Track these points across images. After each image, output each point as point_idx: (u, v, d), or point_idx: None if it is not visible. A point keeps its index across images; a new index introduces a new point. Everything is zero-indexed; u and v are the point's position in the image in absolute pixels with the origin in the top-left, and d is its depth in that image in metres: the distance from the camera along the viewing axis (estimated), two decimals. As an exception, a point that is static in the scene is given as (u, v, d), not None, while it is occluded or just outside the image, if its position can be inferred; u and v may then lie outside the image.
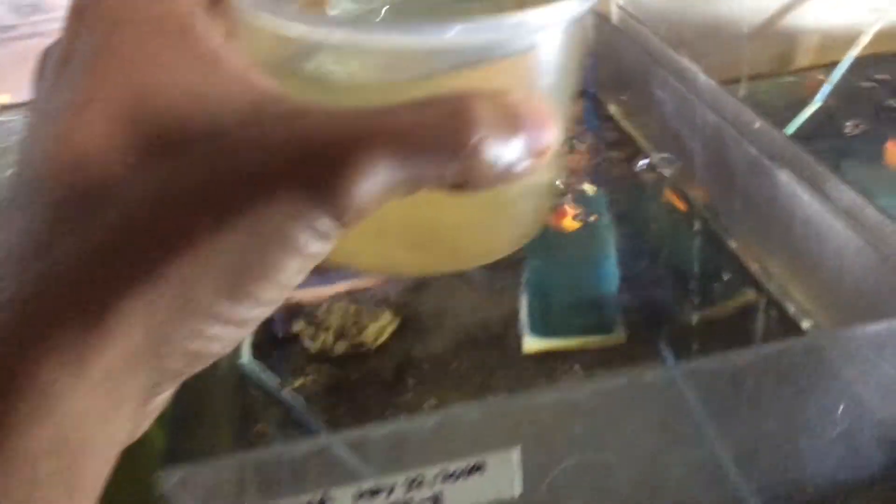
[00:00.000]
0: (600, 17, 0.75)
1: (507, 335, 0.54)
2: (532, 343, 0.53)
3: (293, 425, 0.45)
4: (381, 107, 0.18)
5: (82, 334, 0.16)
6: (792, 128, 0.72)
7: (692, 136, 0.58)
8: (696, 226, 0.61)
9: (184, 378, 0.19)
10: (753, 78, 0.82)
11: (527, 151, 0.19)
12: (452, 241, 0.26)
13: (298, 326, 0.54)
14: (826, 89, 0.75)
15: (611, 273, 0.59)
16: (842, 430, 0.35)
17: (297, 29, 0.20)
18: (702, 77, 0.59)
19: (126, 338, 0.17)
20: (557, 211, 0.65)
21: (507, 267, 0.59)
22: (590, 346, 0.52)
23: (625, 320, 0.54)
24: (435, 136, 0.18)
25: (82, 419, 0.16)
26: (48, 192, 0.18)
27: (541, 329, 0.54)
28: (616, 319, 0.54)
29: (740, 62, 0.82)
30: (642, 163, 0.68)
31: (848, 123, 0.74)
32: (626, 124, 0.75)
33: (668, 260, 0.59)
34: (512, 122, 0.19)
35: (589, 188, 0.68)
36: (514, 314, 0.55)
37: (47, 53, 0.21)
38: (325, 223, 0.18)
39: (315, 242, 0.18)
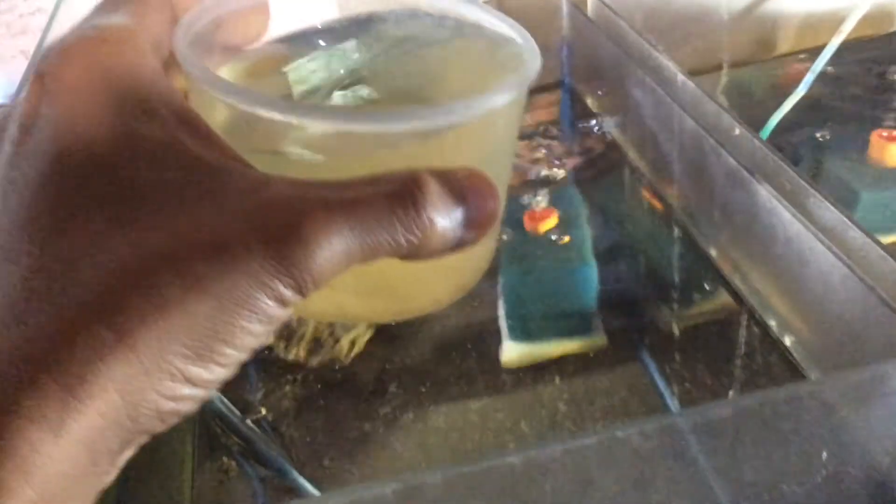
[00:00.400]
0: (574, 7, 0.72)
1: (485, 342, 0.52)
2: (511, 350, 0.52)
3: (258, 459, 0.43)
4: (338, 180, 0.20)
5: (62, 401, 0.17)
6: (776, 118, 0.69)
7: (670, 141, 0.56)
8: (676, 231, 0.59)
9: (155, 433, 0.19)
10: (735, 65, 0.80)
11: (474, 221, 0.21)
12: (400, 291, 0.28)
13: (271, 339, 0.53)
14: (810, 78, 0.73)
15: (589, 277, 0.57)
16: (827, 474, 0.33)
17: (248, 106, 0.21)
18: (680, 77, 0.57)
19: (102, 402, 0.18)
20: (533, 214, 0.63)
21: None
22: (570, 351, 0.51)
23: (605, 324, 0.53)
24: (389, 211, 0.19)
25: (63, 476, 0.17)
26: (20, 261, 0.19)
27: (520, 335, 0.53)
28: (596, 323, 0.53)
29: (721, 48, 0.80)
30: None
31: (832, 112, 0.72)
32: (603, 117, 0.72)
33: (648, 263, 0.58)
34: (459, 195, 0.20)
35: (565, 187, 0.66)
36: (492, 321, 0.54)
37: (5, 117, 0.21)
38: (286, 292, 0.19)
39: (278, 309, 0.19)
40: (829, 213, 0.42)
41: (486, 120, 0.24)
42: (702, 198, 0.54)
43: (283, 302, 0.19)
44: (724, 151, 0.49)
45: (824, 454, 0.33)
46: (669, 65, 0.58)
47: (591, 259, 0.58)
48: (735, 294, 0.52)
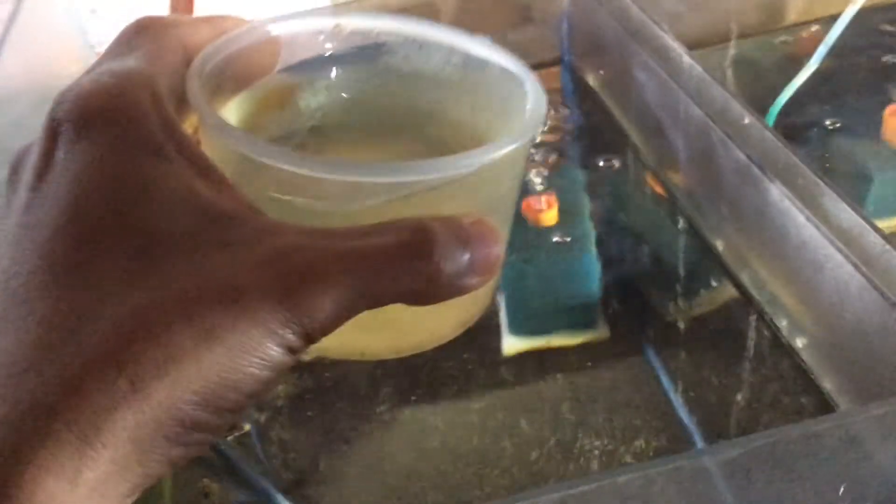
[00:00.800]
0: (575, -21, 0.69)
1: (485, 335, 0.50)
2: (512, 343, 0.50)
3: (240, 481, 0.41)
4: (347, 228, 0.20)
5: (77, 451, 0.18)
6: (785, 95, 0.66)
7: (675, 128, 0.53)
8: (682, 221, 0.56)
9: (163, 476, 0.20)
10: (742, 35, 0.76)
11: (478, 267, 0.22)
12: (402, 328, 0.29)
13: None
14: (823, 50, 0.69)
15: (592, 267, 0.55)
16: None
17: (258, 156, 0.21)
18: (686, 60, 0.54)
19: (115, 450, 0.18)
20: (531, 201, 0.60)
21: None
22: (572, 344, 0.49)
23: (607, 317, 0.50)
24: (398, 261, 0.20)
25: None
26: (35, 308, 0.19)
27: (521, 328, 0.51)
28: (598, 316, 0.51)
29: (727, 18, 0.76)
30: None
31: (844, 86, 0.68)
32: (606, 99, 0.69)
33: (652, 254, 0.55)
34: (465, 243, 0.21)
35: (566, 172, 0.63)
36: (492, 314, 0.51)
37: (20, 158, 0.22)
38: (295, 340, 0.20)
39: (285, 356, 0.20)
40: (846, 213, 0.39)
41: (492, 168, 0.24)
42: (709, 190, 0.52)
43: (290, 350, 0.20)
44: (733, 144, 0.46)
45: (842, 489, 0.31)
46: (674, 45, 0.54)
47: (592, 249, 0.55)
48: (743, 291, 0.50)
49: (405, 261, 0.21)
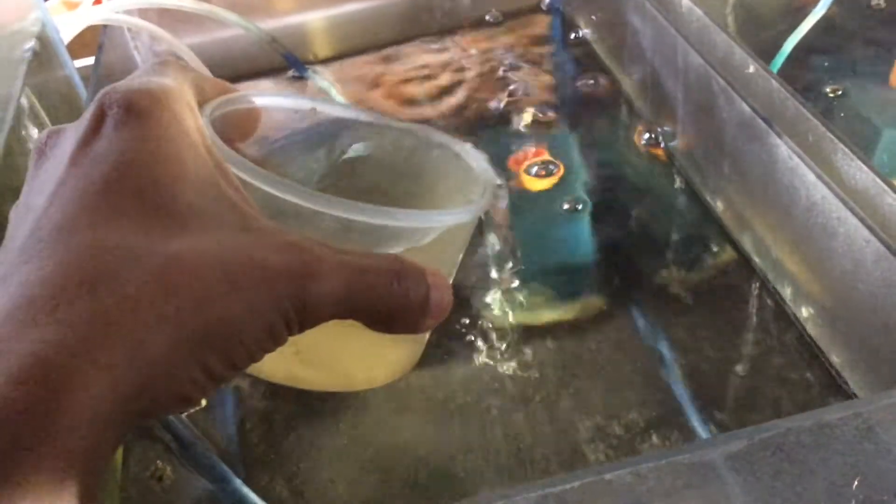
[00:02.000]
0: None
1: (473, 304, 0.47)
2: (501, 313, 0.46)
3: (196, 464, 0.38)
4: (348, 250, 0.24)
5: (108, 372, 0.20)
6: (791, 43, 0.62)
7: (674, 79, 0.49)
8: (678, 181, 0.52)
9: (157, 416, 0.25)
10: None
11: (433, 309, 0.26)
12: (340, 367, 0.33)
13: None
14: (829, -5, 0.65)
15: (584, 234, 0.51)
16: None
17: (271, 188, 0.25)
18: (685, 3, 0.49)
19: (139, 374, 0.20)
20: (518, 159, 0.57)
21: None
22: (565, 315, 0.46)
23: (600, 284, 0.47)
24: (382, 278, 0.24)
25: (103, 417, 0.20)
26: (72, 241, 0.22)
27: (510, 297, 0.47)
28: (590, 283, 0.48)
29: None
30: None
31: (851, 34, 0.64)
32: (599, 49, 0.65)
33: (646, 216, 0.51)
34: (426, 285, 0.26)
35: (554, 127, 0.59)
36: (480, 281, 0.48)
37: (50, 135, 0.25)
38: (292, 317, 0.23)
39: (282, 331, 0.23)
40: (862, 172, 0.36)
41: (454, 229, 0.29)
42: (709, 146, 0.48)
43: (286, 326, 0.23)
44: (736, 94, 0.42)
45: (856, 483, 0.27)
46: (673, -13, 0.50)
47: (585, 214, 0.52)
48: (744, 256, 0.46)
49: (387, 280, 0.24)
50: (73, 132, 0.24)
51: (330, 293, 0.23)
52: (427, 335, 0.34)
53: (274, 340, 0.23)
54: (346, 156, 0.35)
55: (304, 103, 0.33)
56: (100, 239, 0.22)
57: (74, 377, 0.19)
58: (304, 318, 0.23)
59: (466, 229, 0.32)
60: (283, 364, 0.31)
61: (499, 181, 0.34)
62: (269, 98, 0.32)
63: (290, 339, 0.23)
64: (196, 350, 0.21)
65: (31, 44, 0.48)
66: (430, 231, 0.28)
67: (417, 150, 0.34)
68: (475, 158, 0.33)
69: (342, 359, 0.32)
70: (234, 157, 0.25)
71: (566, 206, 0.52)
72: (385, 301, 0.24)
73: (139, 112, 0.24)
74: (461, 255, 0.33)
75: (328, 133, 0.34)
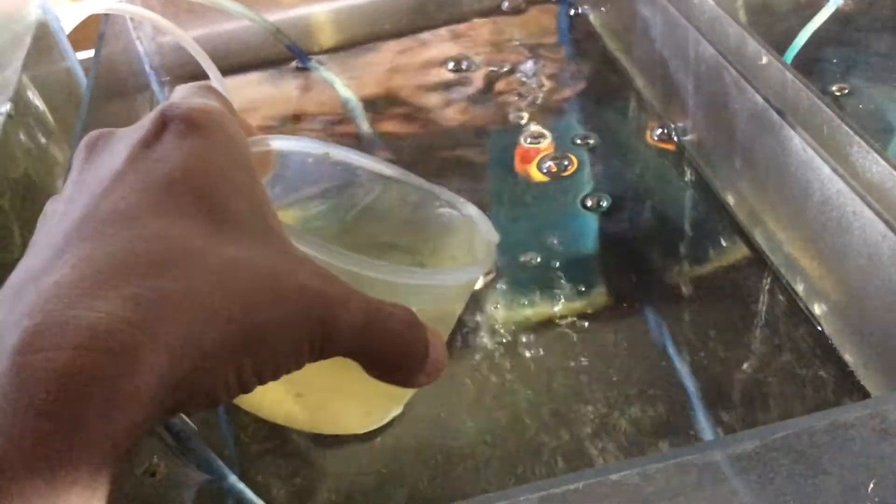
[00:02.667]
0: None
1: (478, 298, 0.46)
2: (505, 306, 0.46)
3: (191, 458, 0.37)
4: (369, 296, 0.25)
5: (152, 351, 0.20)
6: (805, 35, 0.61)
7: (684, 69, 0.48)
8: (689, 174, 0.51)
9: (178, 413, 0.22)
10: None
11: (430, 368, 0.26)
12: (342, 410, 0.35)
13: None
14: (845, -13, 0.63)
15: (590, 226, 0.50)
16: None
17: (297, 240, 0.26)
18: (697, -8, 0.48)
19: (178, 367, 0.20)
20: (524, 151, 0.56)
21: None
22: (570, 310, 0.45)
23: (607, 278, 0.46)
24: (397, 323, 0.25)
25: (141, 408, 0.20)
26: (135, 235, 0.22)
27: (514, 290, 0.46)
28: (597, 276, 0.47)
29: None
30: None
31: (866, 26, 0.63)
32: (608, 40, 0.64)
33: (655, 210, 0.50)
34: (428, 343, 0.26)
35: (562, 119, 0.58)
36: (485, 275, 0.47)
37: (97, 137, 0.26)
38: (317, 341, 0.23)
39: (306, 352, 0.23)
40: (878, 166, 0.34)
41: (457, 286, 0.32)
42: (720, 138, 0.47)
43: (311, 350, 0.23)
44: (749, 85, 0.41)
45: (871, 485, 0.26)
46: (684, -23, 0.49)
47: (590, 204, 0.51)
48: (756, 250, 0.45)
49: (401, 327, 0.25)
50: (130, 135, 0.25)
51: (351, 326, 0.24)
52: (411, 392, 0.36)
53: (297, 360, 0.23)
54: (356, 208, 0.37)
55: (317, 147, 0.34)
56: (163, 229, 0.22)
57: (139, 352, 0.19)
58: (325, 344, 0.24)
59: (467, 288, 0.33)
60: (285, 404, 0.33)
61: (498, 238, 0.34)
62: (284, 142, 0.33)
63: (293, 379, 0.24)
64: (237, 352, 0.22)
65: (30, 33, 0.48)
66: (436, 289, 0.30)
67: (422, 205, 0.36)
68: (479, 220, 0.35)
69: (340, 401, 0.34)
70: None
71: (577, 202, 0.51)
72: (395, 347, 0.25)
73: (200, 127, 0.25)
74: (461, 310, 0.35)
75: (339, 181, 0.36)
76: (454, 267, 0.36)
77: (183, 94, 0.27)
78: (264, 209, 0.25)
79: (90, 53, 0.56)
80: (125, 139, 0.25)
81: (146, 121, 0.25)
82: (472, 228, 0.35)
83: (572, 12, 0.68)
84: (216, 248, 0.22)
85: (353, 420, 0.36)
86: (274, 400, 0.33)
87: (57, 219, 0.24)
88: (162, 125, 0.25)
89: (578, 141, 0.56)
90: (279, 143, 0.33)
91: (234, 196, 0.24)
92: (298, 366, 0.23)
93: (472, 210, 0.35)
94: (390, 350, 0.25)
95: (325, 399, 0.34)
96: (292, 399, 0.32)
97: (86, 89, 0.50)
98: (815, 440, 0.25)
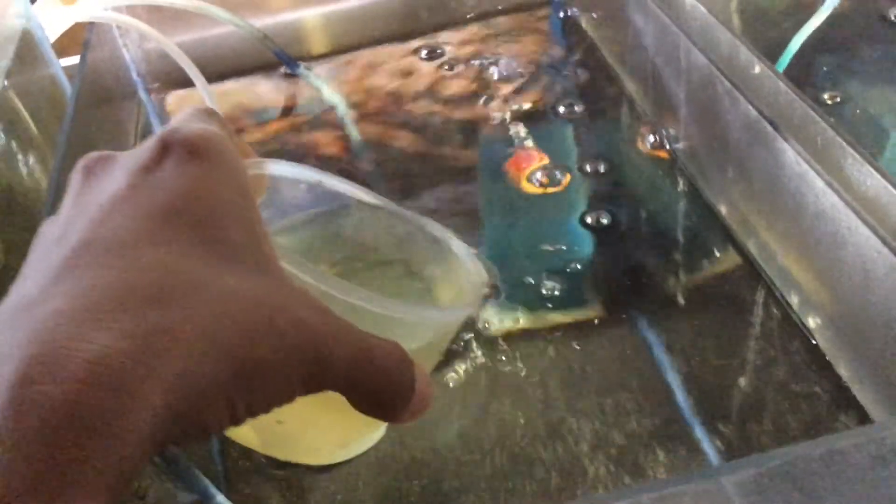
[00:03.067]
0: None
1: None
2: (497, 317, 0.45)
3: (176, 477, 0.36)
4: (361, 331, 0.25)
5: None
6: (797, 43, 0.60)
7: (676, 79, 0.47)
8: (681, 183, 0.51)
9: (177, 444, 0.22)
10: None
11: (414, 405, 0.26)
12: (323, 439, 0.35)
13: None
14: (839, -8, 0.63)
15: (583, 236, 0.50)
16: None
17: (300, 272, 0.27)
18: (688, 0, 0.48)
19: (177, 402, 0.20)
20: (517, 159, 0.55)
21: (465, 230, 0.50)
22: (563, 320, 0.44)
23: (600, 289, 0.46)
24: (384, 363, 0.25)
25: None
26: (133, 262, 0.22)
27: (506, 301, 0.46)
28: (590, 287, 0.46)
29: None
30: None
31: (860, 32, 0.63)
32: (599, 44, 0.63)
33: (648, 220, 0.50)
34: (414, 379, 0.26)
35: (554, 128, 0.58)
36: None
37: (96, 160, 0.26)
38: (311, 376, 0.23)
39: (299, 387, 0.23)
40: (873, 179, 0.34)
41: (447, 325, 0.32)
42: (713, 148, 0.46)
43: (304, 385, 0.23)
44: (742, 96, 0.41)
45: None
46: (676, -16, 0.49)
47: (581, 212, 0.50)
48: (749, 262, 0.45)
49: (390, 364, 0.25)
50: (129, 159, 0.25)
51: (344, 362, 0.24)
52: (384, 427, 0.36)
53: (289, 395, 0.23)
54: (344, 232, 0.37)
55: (312, 176, 0.35)
56: (162, 258, 0.22)
57: (138, 387, 0.19)
58: (318, 380, 0.23)
59: (455, 325, 0.33)
60: (265, 432, 0.33)
61: (487, 278, 0.34)
62: (280, 167, 0.34)
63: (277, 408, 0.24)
64: (232, 387, 0.21)
65: (13, 42, 0.47)
66: (424, 324, 0.31)
67: (409, 238, 0.37)
68: (467, 259, 0.35)
69: (321, 432, 0.34)
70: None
71: (570, 213, 0.51)
72: (384, 383, 0.25)
73: (200, 154, 0.25)
74: (447, 345, 0.35)
75: (327, 207, 0.36)
76: (447, 304, 0.36)
77: (183, 119, 0.27)
78: (260, 237, 0.25)
79: (76, 61, 0.56)
80: (125, 163, 0.25)
81: (147, 145, 0.25)
82: (457, 261, 0.35)
83: (562, 14, 0.68)
84: (215, 278, 0.22)
85: (329, 450, 0.36)
86: (254, 425, 0.32)
87: (54, 243, 0.23)
88: (163, 151, 0.25)
89: (570, 150, 0.55)
90: (276, 168, 0.33)
91: (234, 225, 0.24)
92: (289, 400, 0.23)
93: (461, 249, 0.35)
94: (379, 386, 0.25)
95: (308, 428, 0.34)
96: (272, 427, 0.32)
97: (70, 97, 0.49)
98: (811, 468, 0.24)
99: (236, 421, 0.22)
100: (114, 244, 0.22)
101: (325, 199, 0.36)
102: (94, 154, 0.26)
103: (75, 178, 0.25)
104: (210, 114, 0.28)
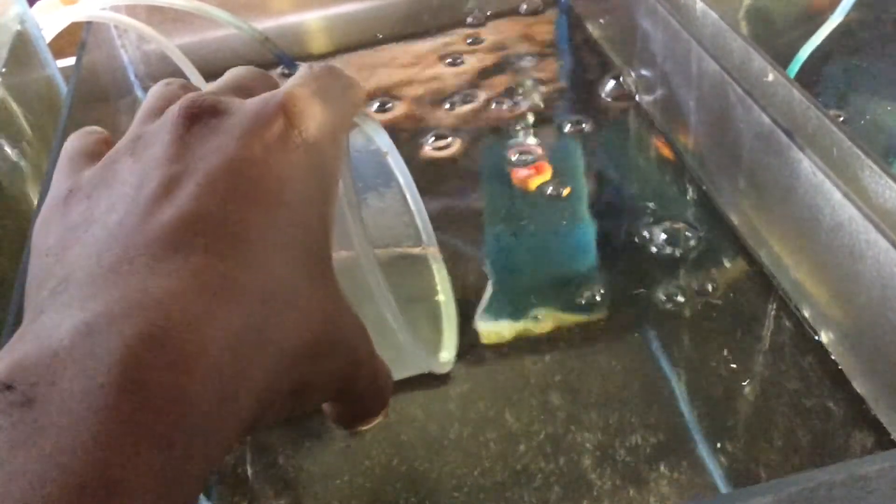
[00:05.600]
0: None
1: (467, 314, 0.44)
2: (497, 324, 0.44)
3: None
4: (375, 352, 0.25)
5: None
6: (807, 51, 0.59)
7: (686, 85, 0.46)
8: (691, 192, 0.50)
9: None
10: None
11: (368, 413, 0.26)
12: None
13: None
14: (848, 1, 0.62)
15: (587, 241, 0.49)
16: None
17: None
18: (699, 6, 0.47)
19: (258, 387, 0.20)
20: (523, 168, 0.54)
21: (466, 234, 0.49)
22: (563, 325, 0.43)
23: (604, 295, 0.45)
24: (381, 384, 0.26)
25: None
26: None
27: (508, 307, 0.45)
28: (594, 294, 0.45)
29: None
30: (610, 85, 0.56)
31: (871, 40, 0.62)
32: (608, 50, 0.62)
33: (655, 227, 0.49)
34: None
35: (560, 133, 0.57)
36: (477, 289, 0.46)
37: (97, 142, 0.26)
38: (334, 395, 0.24)
39: (320, 402, 0.24)
40: (892, 191, 0.33)
41: None
42: (724, 157, 0.45)
43: (323, 400, 0.25)
44: (754, 104, 0.40)
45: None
46: (687, -11, 0.48)
47: (588, 219, 0.49)
48: (761, 273, 0.44)
49: (384, 384, 0.26)
50: (241, 121, 0.24)
51: (363, 384, 0.24)
52: None
53: (310, 406, 0.23)
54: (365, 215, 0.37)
55: (386, 144, 0.34)
56: (270, 258, 0.21)
57: (241, 382, 0.19)
58: (338, 395, 0.24)
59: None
60: None
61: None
62: (375, 128, 0.32)
63: None
64: (289, 395, 0.21)
65: (8, 43, 0.46)
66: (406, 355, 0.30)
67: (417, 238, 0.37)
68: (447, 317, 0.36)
69: None
70: None
71: (566, 214, 0.50)
72: (375, 402, 0.26)
73: (309, 139, 0.24)
74: None
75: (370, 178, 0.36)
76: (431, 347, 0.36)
77: (304, 88, 0.25)
78: (329, 238, 0.24)
79: (72, 60, 0.55)
80: (237, 125, 0.23)
81: (263, 110, 0.23)
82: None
83: (568, 19, 0.67)
84: (306, 286, 0.22)
85: None
86: None
87: (147, 185, 0.21)
88: (278, 124, 0.23)
89: (576, 156, 0.54)
90: (373, 129, 0.32)
91: (318, 224, 0.23)
92: (306, 411, 0.23)
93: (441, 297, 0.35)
94: (369, 403, 0.25)
95: None
96: None
97: (65, 97, 0.48)
98: (833, 494, 0.23)
99: (264, 425, 0.22)
100: (221, 228, 0.21)
101: (373, 169, 0.35)
102: (198, 98, 0.23)
103: (177, 120, 0.23)
104: (334, 77, 0.26)
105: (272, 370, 0.20)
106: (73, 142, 0.26)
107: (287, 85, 0.25)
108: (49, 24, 0.53)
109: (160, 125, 0.23)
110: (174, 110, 0.23)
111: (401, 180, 0.35)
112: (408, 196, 0.35)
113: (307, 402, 0.23)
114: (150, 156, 0.22)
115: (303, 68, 0.26)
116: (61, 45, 0.57)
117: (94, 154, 0.25)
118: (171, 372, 0.17)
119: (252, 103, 0.23)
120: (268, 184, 0.22)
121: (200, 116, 0.23)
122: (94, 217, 0.21)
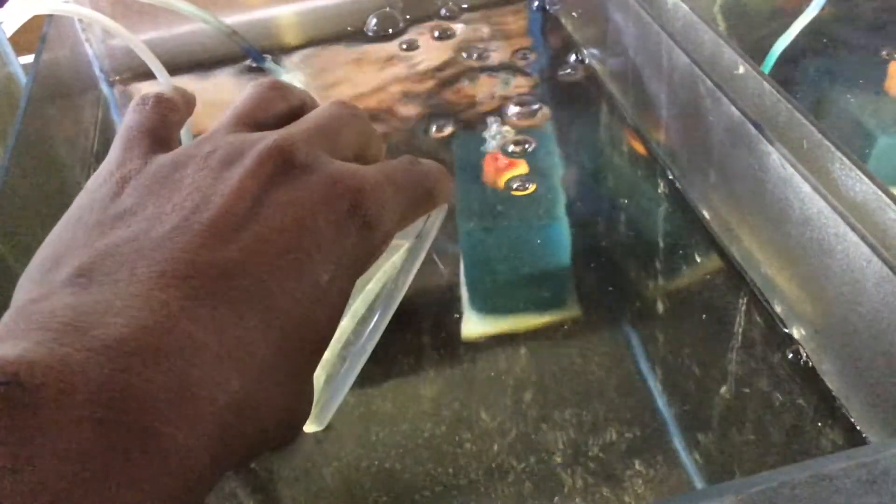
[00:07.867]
0: None
1: (441, 313, 0.43)
2: (471, 322, 0.43)
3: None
4: None
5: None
6: (781, 44, 0.59)
7: (657, 78, 0.46)
8: (662, 186, 0.49)
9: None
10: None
11: None
12: None
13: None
14: (822, -4, 0.62)
15: (561, 237, 0.48)
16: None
17: None
18: (671, -2, 0.46)
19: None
20: (493, 158, 0.54)
21: (440, 230, 0.48)
22: (538, 323, 0.43)
23: (578, 292, 0.44)
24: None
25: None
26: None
27: (481, 305, 0.44)
28: (568, 291, 0.45)
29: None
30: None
31: (844, 35, 0.61)
32: (580, 42, 0.62)
33: (629, 222, 0.48)
34: None
35: (532, 127, 0.56)
36: (452, 287, 0.45)
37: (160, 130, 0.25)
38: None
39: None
40: (862, 185, 0.32)
41: None
42: (695, 151, 0.44)
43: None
44: (724, 97, 0.39)
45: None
46: (658, -19, 0.47)
47: (562, 215, 0.49)
48: (732, 267, 0.43)
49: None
50: (317, 187, 0.25)
51: (297, 428, 0.26)
52: None
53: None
54: None
55: None
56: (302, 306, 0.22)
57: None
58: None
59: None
60: None
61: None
62: None
63: None
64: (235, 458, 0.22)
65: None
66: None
67: None
68: None
69: None
70: None
71: (539, 208, 0.49)
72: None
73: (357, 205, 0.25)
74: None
75: None
76: None
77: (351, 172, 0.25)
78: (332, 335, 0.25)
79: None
80: (308, 186, 0.23)
81: (325, 193, 0.23)
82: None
83: (539, 6, 0.66)
84: (292, 378, 0.23)
85: None
86: None
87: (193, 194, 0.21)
88: (344, 208, 0.23)
89: (549, 149, 0.54)
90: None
91: (329, 322, 0.24)
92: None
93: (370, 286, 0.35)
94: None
95: None
96: None
97: (24, 92, 0.47)
98: (796, 493, 0.22)
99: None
100: (257, 288, 0.21)
101: None
102: (294, 149, 0.23)
103: (266, 160, 0.23)
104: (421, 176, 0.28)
105: (249, 444, 0.21)
106: (149, 116, 0.26)
107: (375, 167, 0.25)
108: (9, 18, 0.51)
109: (244, 149, 0.23)
110: (267, 148, 0.23)
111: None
112: None
113: (253, 450, 0.23)
114: (221, 178, 0.22)
115: (402, 159, 0.27)
116: (30, 39, 0.56)
117: (163, 141, 0.25)
118: (170, 426, 0.18)
119: (336, 171, 0.23)
120: (314, 260, 0.22)
121: (289, 171, 0.23)
122: (140, 216, 0.21)
